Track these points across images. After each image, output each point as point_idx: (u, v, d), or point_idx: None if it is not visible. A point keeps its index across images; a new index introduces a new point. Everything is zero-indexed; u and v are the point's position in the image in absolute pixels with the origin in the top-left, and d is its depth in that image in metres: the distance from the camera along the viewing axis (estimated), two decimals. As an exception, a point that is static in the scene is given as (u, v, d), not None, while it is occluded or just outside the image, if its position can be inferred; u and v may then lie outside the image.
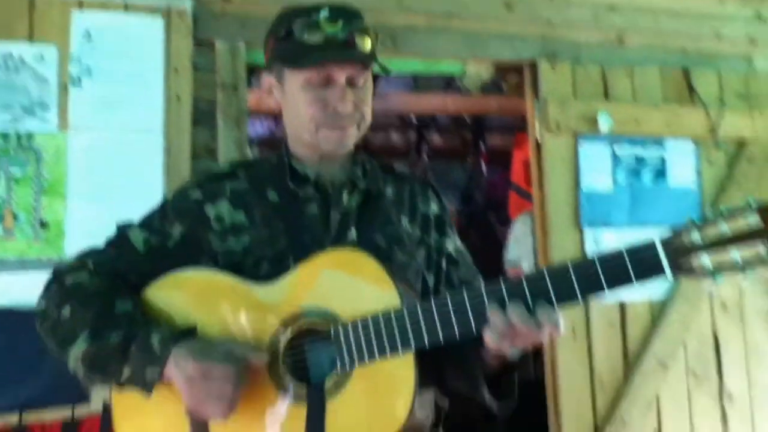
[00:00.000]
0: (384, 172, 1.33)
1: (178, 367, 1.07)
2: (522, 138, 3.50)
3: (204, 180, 1.28)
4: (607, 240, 2.48)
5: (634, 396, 2.49)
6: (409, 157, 4.93)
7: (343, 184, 1.25)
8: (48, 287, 1.22)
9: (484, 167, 4.76)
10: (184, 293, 1.20)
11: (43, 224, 2.00)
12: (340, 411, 1.07)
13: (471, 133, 4.81)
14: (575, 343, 2.47)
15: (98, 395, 1.99)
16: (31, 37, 2.05)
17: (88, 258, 1.24)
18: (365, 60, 1.20)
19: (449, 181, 5.20)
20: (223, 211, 1.24)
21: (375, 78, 1.33)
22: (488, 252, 3.98)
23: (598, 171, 2.52)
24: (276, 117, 3.88)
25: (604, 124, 2.48)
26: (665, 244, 0.97)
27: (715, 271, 0.95)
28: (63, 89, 2.06)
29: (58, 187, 2.02)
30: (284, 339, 1.12)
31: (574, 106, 2.53)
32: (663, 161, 2.61)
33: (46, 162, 2.02)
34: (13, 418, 1.98)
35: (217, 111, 2.22)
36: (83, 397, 2.00)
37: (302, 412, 1.08)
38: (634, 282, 0.98)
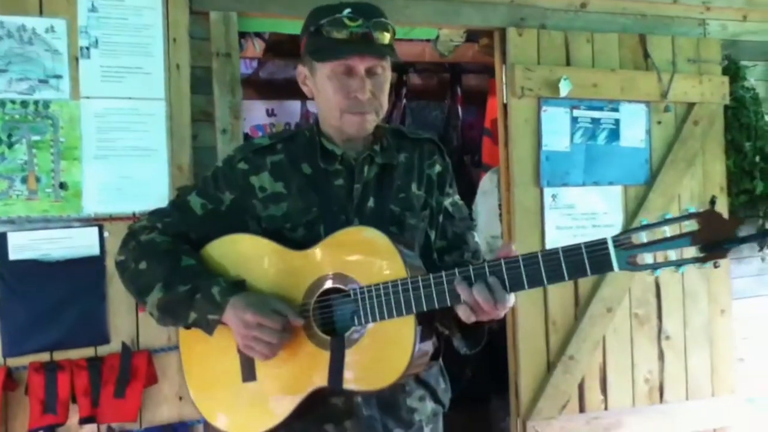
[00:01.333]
0: (399, 138, 1.52)
1: (236, 315, 1.31)
2: (495, 84, 3.72)
3: (249, 152, 1.47)
4: (563, 196, 2.77)
5: (582, 336, 2.79)
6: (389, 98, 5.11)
7: (364, 159, 1.45)
8: (126, 243, 1.46)
9: (459, 111, 4.95)
10: (236, 252, 1.42)
11: (62, 185, 2.22)
12: (356, 357, 1.30)
13: (449, 75, 4.97)
14: (532, 290, 2.77)
15: (117, 338, 2.26)
16: (41, 11, 2.21)
17: (157, 219, 1.47)
18: (382, 53, 1.37)
19: (427, 121, 5.36)
20: (265, 182, 1.44)
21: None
22: (462, 194, 4.26)
23: (557, 133, 2.77)
24: (259, 60, 4.06)
25: (565, 89, 2.72)
26: (616, 242, 1.15)
27: (655, 267, 1.14)
28: (73, 60, 2.24)
29: (74, 151, 2.23)
30: (314, 297, 1.34)
31: (539, 71, 2.75)
32: (617, 123, 2.86)
33: (62, 128, 2.22)
34: (45, 357, 2.22)
35: (213, 78, 2.41)
36: (104, 338, 2.26)
37: (326, 357, 1.31)
38: (589, 274, 1.18)
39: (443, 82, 5.12)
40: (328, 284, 1.35)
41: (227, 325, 1.34)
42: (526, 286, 1.22)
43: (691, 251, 1.13)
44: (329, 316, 1.35)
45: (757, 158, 3.00)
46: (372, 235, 1.32)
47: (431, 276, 1.26)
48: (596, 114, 2.83)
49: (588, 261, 1.17)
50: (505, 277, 1.22)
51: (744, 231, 1.24)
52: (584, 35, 2.84)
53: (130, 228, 1.50)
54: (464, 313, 1.26)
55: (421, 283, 1.26)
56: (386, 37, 1.39)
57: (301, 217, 1.42)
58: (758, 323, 3.17)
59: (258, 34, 3.18)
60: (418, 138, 1.54)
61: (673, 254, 1.14)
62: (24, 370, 2.18)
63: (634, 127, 2.89)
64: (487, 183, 3.20)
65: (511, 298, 1.25)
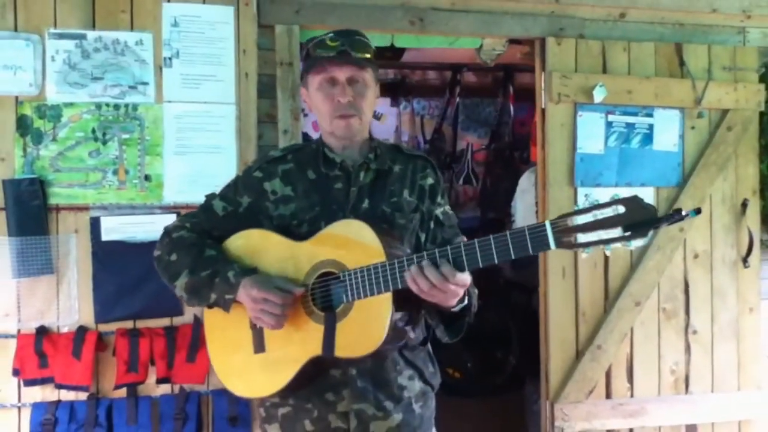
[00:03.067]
0: (395, 152, 1.76)
1: (247, 292, 1.54)
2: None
3: (263, 163, 1.74)
4: (596, 196, 2.93)
5: (610, 328, 2.94)
6: (443, 95, 5.31)
7: (360, 165, 1.68)
8: (162, 239, 1.75)
9: (511, 109, 5.11)
10: (249, 244, 1.67)
11: (147, 177, 2.56)
12: (345, 329, 1.52)
13: (502, 72, 5.13)
14: (564, 282, 2.94)
15: (190, 311, 2.56)
16: (132, 26, 2.56)
17: (186, 220, 1.75)
18: (358, 63, 1.63)
19: (479, 118, 5.55)
20: (276, 187, 1.69)
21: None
22: (508, 190, 4.44)
23: (592, 136, 2.93)
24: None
25: (599, 95, 2.89)
26: (553, 225, 1.33)
27: (587, 246, 1.30)
28: (158, 69, 2.58)
29: (157, 147, 2.57)
30: (312, 279, 1.58)
31: (575, 78, 2.91)
32: (651, 127, 3.01)
33: (147, 128, 2.56)
34: (129, 324, 2.54)
35: (277, 84, 2.70)
36: (179, 310, 2.56)
37: (321, 330, 1.54)
38: (531, 252, 1.34)
39: (497, 79, 5.29)
40: (323, 269, 1.57)
41: (242, 303, 1.57)
42: (480, 263, 1.40)
43: (617, 232, 1.28)
44: (326, 296, 1.57)
45: (791, 163, 3.09)
46: (358, 226, 1.55)
47: (405, 259, 1.46)
48: (630, 119, 2.99)
49: (530, 240, 1.34)
50: (464, 257, 1.41)
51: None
52: (621, 44, 2.99)
53: (165, 228, 1.78)
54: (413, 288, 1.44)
55: (396, 265, 1.47)
56: (363, 52, 1.65)
57: (306, 215, 1.65)
58: (789, 323, 3.26)
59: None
60: (413, 154, 1.79)
61: (603, 234, 1.29)
62: (112, 334, 2.51)
63: (668, 132, 3.01)
64: (525, 181, 3.39)
65: (464, 276, 1.42)
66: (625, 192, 2.96)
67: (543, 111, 2.98)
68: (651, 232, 1.30)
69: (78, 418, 2.45)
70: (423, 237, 1.72)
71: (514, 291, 4.32)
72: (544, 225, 1.34)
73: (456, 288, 1.44)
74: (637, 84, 2.98)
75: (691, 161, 3.05)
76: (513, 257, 1.38)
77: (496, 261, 1.40)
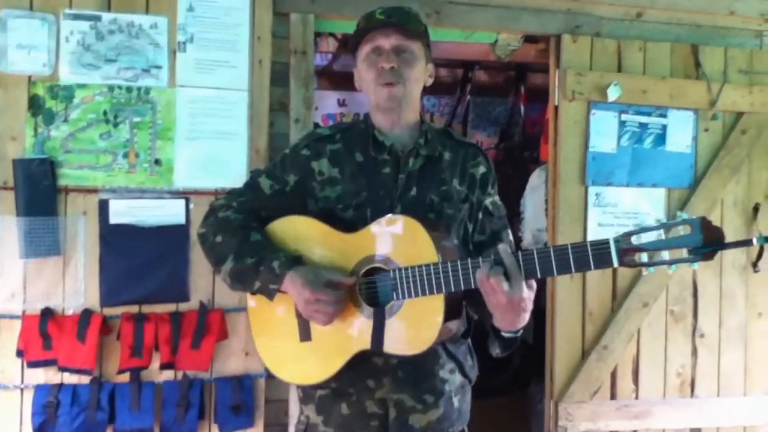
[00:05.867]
0: (446, 137, 1.71)
1: (295, 289, 1.52)
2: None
3: (312, 141, 1.69)
4: (607, 195, 2.93)
5: (617, 328, 2.92)
6: (454, 93, 5.29)
7: (410, 151, 1.63)
8: (207, 217, 1.72)
9: (522, 108, 5.08)
10: (295, 232, 1.64)
11: (157, 161, 2.55)
12: (394, 326, 1.50)
13: (514, 72, 5.11)
14: (572, 282, 2.92)
15: (196, 297, 2.55)
16: (147, 10, 2.54)
17: (233, 198, 1.70)
18: (401, 30, 1.59)
19: (490, 117, 5.52)
20: (324, 167, 1.64)
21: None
22: (517, 188, 4.41)
23: (605, 135, 2.91)
24: (333, 53, 4.33)
25: (613, 94, 2.87)
26: (617, 242, 1.30)
27: (649, 265, 1.30)
28: (172, 53, 2.56)
29: (169, 132, 2.55)
30: (360, 274, 1.55)
31: (590, 76, 2.90)
32: (664, 128, 2.99)
33: (160, 112, 2.54)
34: (135, 309, 2.50)
35: (290, 73, 2.69)
36: (185, 296, 2.54)
37: (370, 324, 1.52)
38: (592, 269, 1.33)
39: (508, 79, 5.25)
40: (373, 264, 1.54)
41: (286, 294, 1.56)
42: (538, 274, 1.37)
43: (683, 252, 1.28)
44: (373, 291, 1.55)
45: (804, 168, 3.07)
46: (411, 223, 1.51)
47: (458, 262, 1.44)
48: (644, 119, 2.97)
49: (592, 256, 1.33)
50: (520, 263, 1.38)
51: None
52: (637, 44, 2.97)
53: (211, 205, 1.75)
54: (487, 301, 1.41)
55: (450, 268, 1.44)
56: (409, 22, 1.61)
57: (352, 200, 1.61)
58: (798, 329, 3.24)
59: (331, 34, 3.44)
60: (465, 142, 1.75)
61: (666, 254, 1.30)
62: (117, 318, 2.49)
63: (681, 133, 3.00)
64: (535, 179, 3.37)
65: (525, 291, 1.38)
66: (636, 192, 2.97)
67: (556, 108, 2.97)
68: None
69: (81, 402, 2.44)
70: (471, 227, 1.68)
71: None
72: (608, 242, 1.31)
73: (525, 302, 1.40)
74: (651, 84, 2.96)
75: (704, 163, 3.03)
76: (573, 271, 1.36)
77: (555, 273, 1.37)
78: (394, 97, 1.60)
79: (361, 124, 1.71)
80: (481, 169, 1.70)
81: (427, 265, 1.46)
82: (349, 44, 1.71)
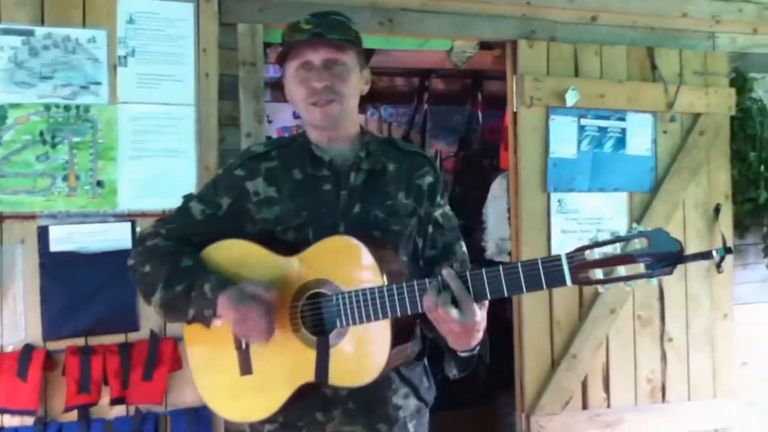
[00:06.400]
0: (390, 148, 1.59)
1: (225, 312, 1.40)
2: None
3: (246, 159, 1.56)
4: (569, 201, 2.89)
5: (586, 336, 2.88)
6: (411, 102, 5.24)
7: (350, 165, 1.52)
8: (135, 248, 1.59)
9: (480, 116, 5.06)
10: (231, 257, 1.51)
11: (100, 183, 2.40)
12: (340, 356, 1.40)
13: (471, 79, 5.09)
14: (538, 292, 2.88)
15: (146, 326, 2.42)
16: (84, 23, 2.40)
17: (162, 226, 1.57)
18: (330, 42, 1.45)
19: (448, 125, 5.49)
20: (259, 187, 1.52)
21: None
22: (479, 197, 4.37)
23: (565, 140, 2.87)
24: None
25: (571, 99, 2.84)
26: (570, 258, 1.21)
27: (605, 282, 1.21)
28: (112, 68, 2.43)
29: (111, 151, 2.42)
30: (302, 299, 1.44)
31: (548, 82, 2.86)
32: (624, 132, 2.97)
33: (101, 130, 2.41)
34: (81, 341, 2.37)
35: (239, 85, 2.58)
36: (134, 325, 2.42)
37: (313, 355, 1.41)
38: (545, 288, 1.23)
39: (465, 87, 5.24)
40: (314, 288, 1.44)
41: (222, 317, 1.43)
42: (488, 296, 1.29)
43: (639, 268, 1.19)
44: (318, 318, 1.44)
45: (762, 168, 3.08)
46: (354, 244, 1.41)
47: (404, 285, 1.34)
48: (603, 123, 2.94)
49: (543, 275, 1.23)
50: (469, 285, 1.29)
51: (750, 239, 1.30)
52: (593, 48, 2.95)
53: (139, 234, 1.63)
54: (439, 328, 1.33)
55: (395, 291, 1.34)
56: (340, 33, 1.48)
57: (291, 221, 1.50)
58: (762, 328, 3.25)
59: (281, 44, 3.33)
60: (410, 150, 1.63)
61: (623, 270, 1.20)
62: (61, 353, 2.35)
63: (640, 136, 2.99)
64: (496, 187, 3.32)
65: (477, 314, 1.30)
66: (598, 197, 2.93)
67: (515, 115, 2.92)
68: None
69: (24, 445, 2.28)
70: (420, 242, 1.58)
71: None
72: (559, 258, 1.22)
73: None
74: (609, 88, 2.95)
75: (664, 166, 3.03)
76: (525, 291, 1.26)
77: (505, 294, 1.27)
78: (329, 116, 1.50)
79: (300, 138, 1.60)
80: (428, 179, 1.59)
81: (371, 289, 1.37)
82: (276, 57, 1.59)
